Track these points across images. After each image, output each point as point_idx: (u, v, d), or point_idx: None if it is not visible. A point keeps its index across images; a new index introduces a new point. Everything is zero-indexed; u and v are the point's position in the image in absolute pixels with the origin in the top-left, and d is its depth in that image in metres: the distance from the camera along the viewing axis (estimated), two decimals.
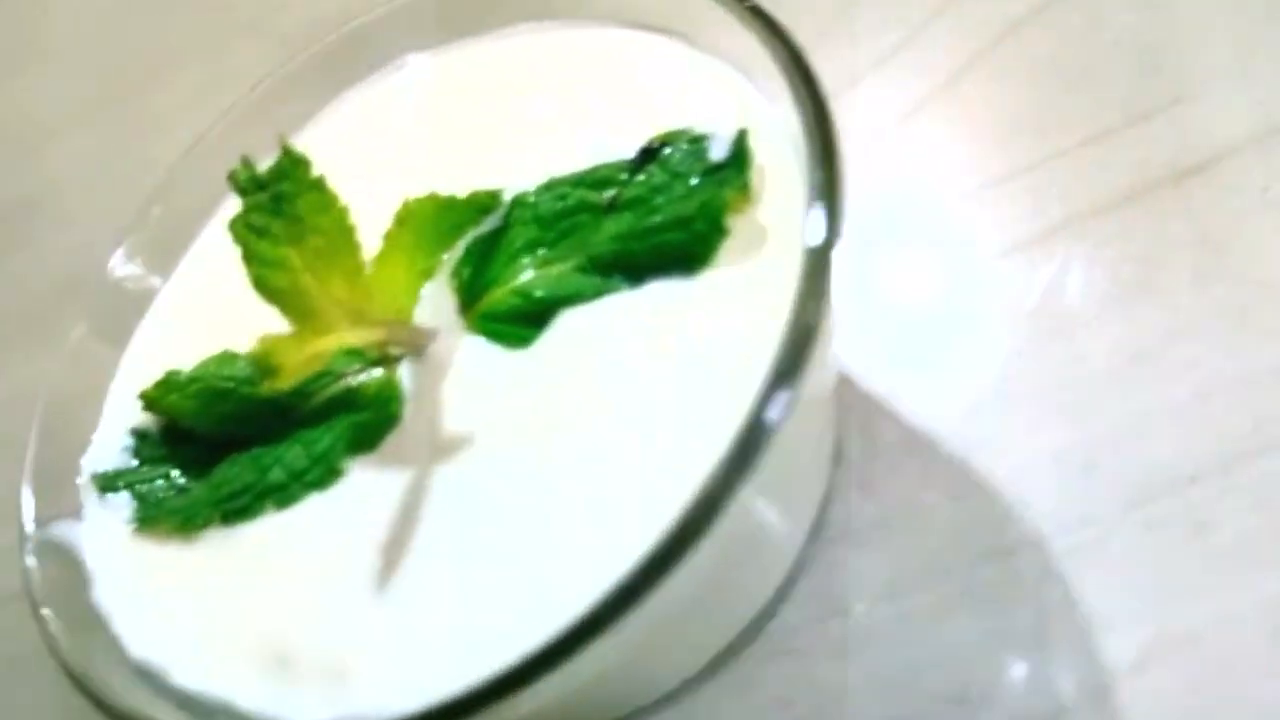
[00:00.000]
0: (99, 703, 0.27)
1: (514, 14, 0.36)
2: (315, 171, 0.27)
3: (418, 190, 0.32)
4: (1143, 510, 0.30)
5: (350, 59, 0.37)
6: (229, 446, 0.32)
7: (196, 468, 0.32)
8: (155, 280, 0.37)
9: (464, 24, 0.36)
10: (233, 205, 0.29)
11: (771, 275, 0.27)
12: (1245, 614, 0.28)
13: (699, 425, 0.26)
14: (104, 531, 0.32)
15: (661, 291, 0.29)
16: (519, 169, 0.32)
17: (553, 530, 0.27)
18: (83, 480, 0.34)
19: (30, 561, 0.31)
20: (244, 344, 0.32)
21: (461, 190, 0.32)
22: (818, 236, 0.25)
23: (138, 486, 0.33)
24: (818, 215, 0.25)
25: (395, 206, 0.31)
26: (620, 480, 0.26)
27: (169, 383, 0.32)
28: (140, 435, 0.34)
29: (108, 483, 0.33)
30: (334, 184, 0.28)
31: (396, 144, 0.36)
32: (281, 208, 0.28)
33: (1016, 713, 0.29)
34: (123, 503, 0.33)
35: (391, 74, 0.38)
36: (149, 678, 0.29)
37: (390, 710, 0.25)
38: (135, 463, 0.34)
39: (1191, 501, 0.30)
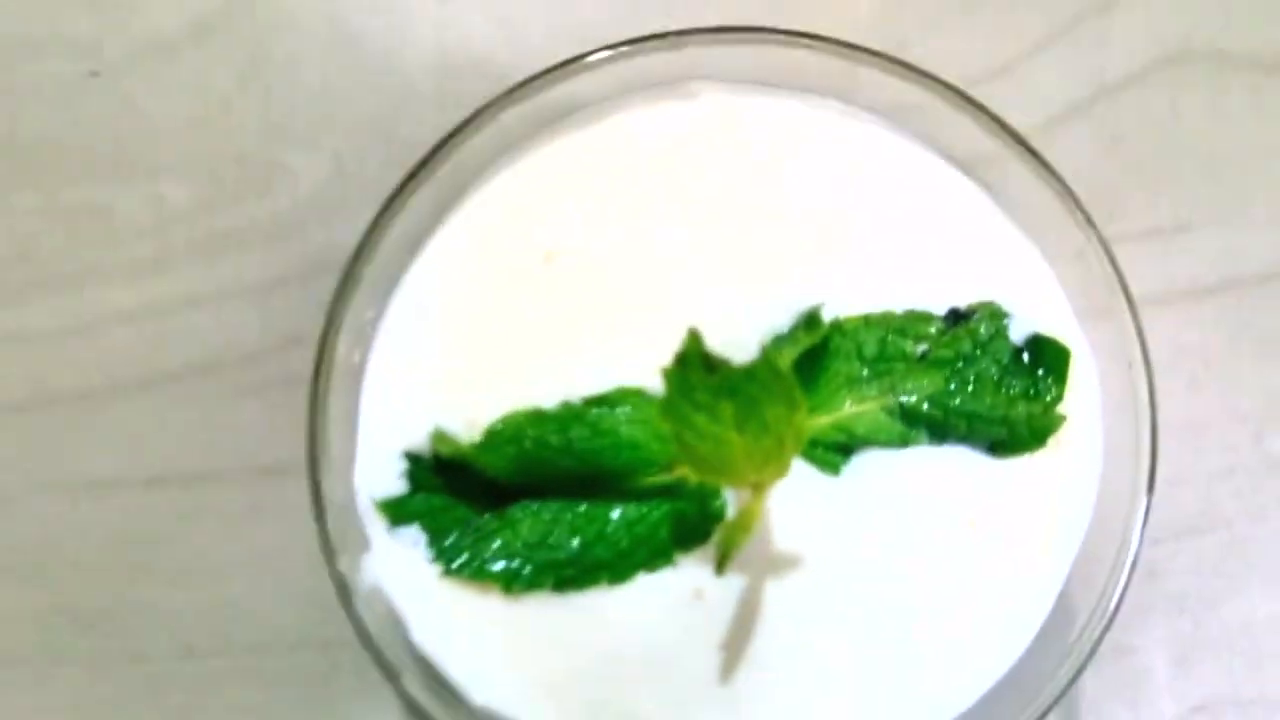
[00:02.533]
0: None
1: (827, 86, 0.36)
2: (790, 384, 0.30)
3: (686, 257, 0.35)
4: None
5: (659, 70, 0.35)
6: (518, 489, 0.34)
7: (484, 506, 0.34)
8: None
9: (768, 71, 0.36)
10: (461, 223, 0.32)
11: (1066, 470, 0.35)
12: None
13: (998, 599, 0.35)
14: (404, 569, 0.34)
15: (964, 456, 0.35)
16: (824, 282, 0.35)
17: (866, 662, 0.34)
18: (365, 506, 0.34)
19: (369, 621, 0.32)
20: (502, 361, 0.34)
21: (769, 279, 0.35)
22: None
23: (428, 521, 0.34)
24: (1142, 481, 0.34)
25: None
26: (931, 633, 0.34)
27: (489, 442, 0.33)
28: (415, 460, 0.34)
29: (399, 515, 0.34)
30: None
31: (681, 187, 0.36)
32: (742, 405, 0.30)
33: None
34: (412, 537, 0.34)
35: (686, 100, 0.36)
36: None
37: None
38: (407, 487, 0.34)
39: None
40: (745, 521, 0.32)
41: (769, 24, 0.36)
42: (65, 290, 0.45)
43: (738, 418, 0.30)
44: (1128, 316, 0.34)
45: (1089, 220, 0.35)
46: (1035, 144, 0.44)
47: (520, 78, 0.45)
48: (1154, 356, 0.45)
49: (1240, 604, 0.45)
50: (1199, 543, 0.45)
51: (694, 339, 0.30)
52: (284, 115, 0.46)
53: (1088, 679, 0.44)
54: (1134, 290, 0.45)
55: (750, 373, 0.30)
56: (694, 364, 0.30)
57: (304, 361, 0.44)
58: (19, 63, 0.46)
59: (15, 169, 0.45)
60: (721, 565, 0.32)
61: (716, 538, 0.34)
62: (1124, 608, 0.43)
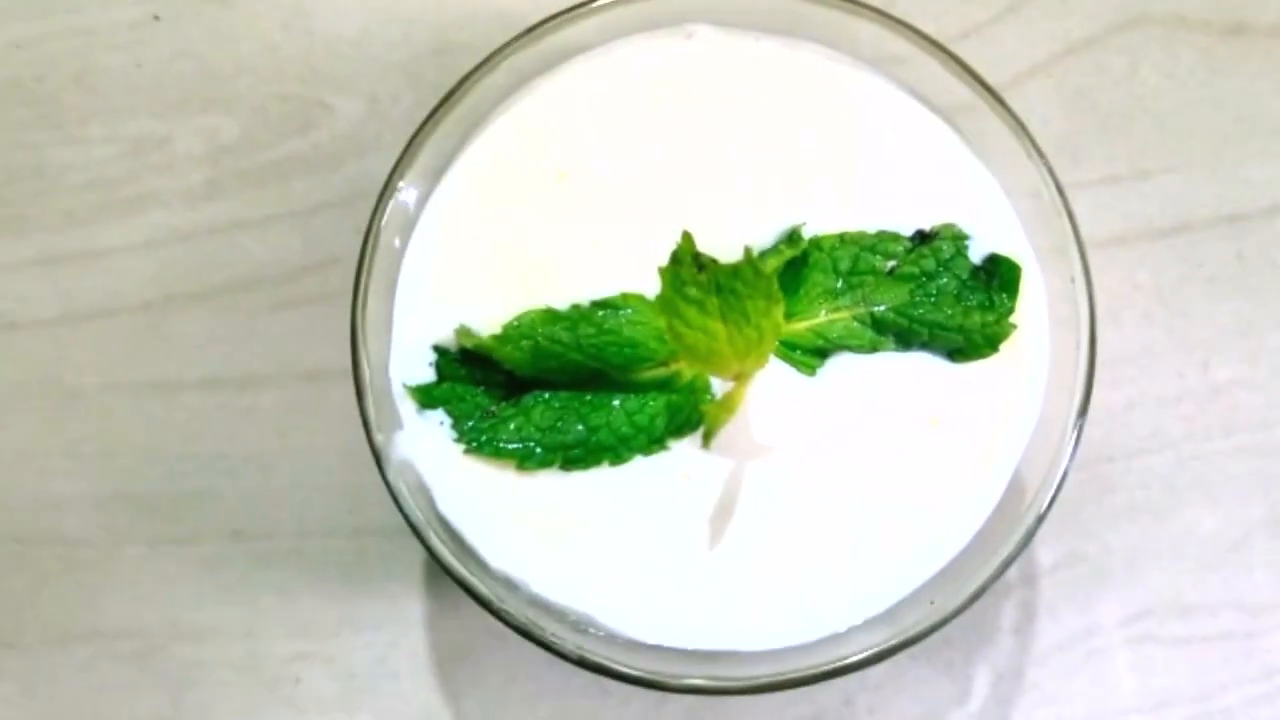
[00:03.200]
0: (509, 622, 0.37)
1: (803, 30, 0.41)
2: (770, 282, 0.34)
3: (684, 179, 0.40)
4: None
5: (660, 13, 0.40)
6: (532, 381, 0.39)
7: (501, 394, 0.39)
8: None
9: (759, 16, 0.40)
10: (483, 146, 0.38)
11: (1017, 374, 0.39)
12: None
13: (953, 484, 0.39)
14: (431, 445, 0.39)
15: (925, 361, 0.40)
16: (807, 204, 0.40)
17: (835, 536, 0.39)
18: (398, 391, 0.39)
19: (401, 487, 0.37)
20: (522, 268, 0.39)
21: (757, 200, 0.40)
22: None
23: (452, 406, 0.39)
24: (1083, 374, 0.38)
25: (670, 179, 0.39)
26: (888, 511, 0.39)
27: (506, 336, 0.38)
28: (441, 352, 0.39)
29: (426, 399, 0.39)
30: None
31: (680, 117, 0.41)
32: (728, 300, 0.35)
33: None
34: (438, 419, 0.39)
35: (685, 40, 0.41)
36: (510, 587, 0.39)
37: (727, 644, 0.38)
38: (436, 377, 0.39)
39: None
40: (729, 403, 0.36)
41: None
42: (130, 213, 0.50)
43: (723, 310, 0.35)
44: (1072, 241, 0.38)
45: (1042, 156, 0.39)
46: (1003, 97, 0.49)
47: None
48: (1112, 292, 0.50)
49: (1185, 518, 0.49)
50: (1149, 461, 0.50)
51: (687, 240, 0.34)
52: (325, 60, 0.51)
53: (1044, 582, 0.49)
54: (1095, 232, 0.50)
55: (735, 270, 0.34)
56: (686, 262, 0.34)
57: (341, 279, 0.49)
58: (89, 6, 0.51)
59: (86, 103, 0.51)
60: (707, 439, 0.37)
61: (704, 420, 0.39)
62: (1077, 518, 0.49)
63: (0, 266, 0.50)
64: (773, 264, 0.38)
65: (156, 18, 0.51)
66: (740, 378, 0.37)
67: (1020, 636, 0.49)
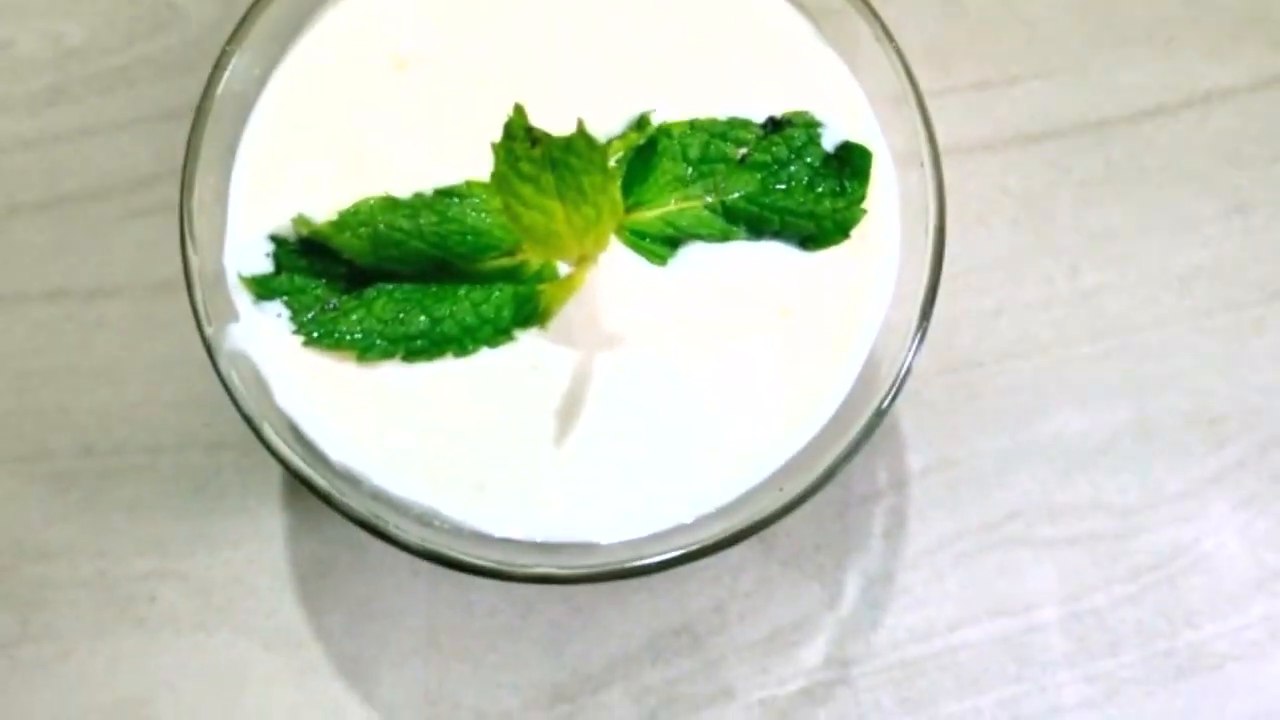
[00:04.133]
0: (348, 514, 0.36)
1: None
2: (602, 152, 0.34)
3: (527, 64, 0.39)
4: None
5: None
6: (374, 274, 0.38)
7: (343, 286, 0.38)
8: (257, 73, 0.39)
9: None
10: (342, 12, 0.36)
11: (869, 262, 0.39)
12: None
13: (805, 373, 0.39)
14: (268, 337, 0.38)
15: (777, 250, 0.39)
16: (659, 92, 0.39)
17: (687, 425, 0.38)
18: (232, 282, 0.38)
19: (234, 377, 0.36)
20: (363, 157, 0.38)
21: (606, 87, 0.39)
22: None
23: (291, 298, 0.38)
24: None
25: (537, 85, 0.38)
26: (739, 401, 0.39)
27: (343, 223, 0.37)
28: (279, 242, 0.38)
29: (263, 290, 0.38)
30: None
31: (528, 23, 0.39)
32: (563, 175, 0.34)
33: None
34: (275, 310, 0.38)
35: None
36: (353, 481, 0.37)
37: (576, 535, 0.38)
38: (274, 268, 0.38)
39: None
40: (569, 283, 0.36)
41: None
42: None
43: (559, 187, 0.34)
44: (920, 124, 0.38)
45: (900, 55, 0.39)
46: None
47: None
48: (981, 198, 0.49)
49: (1052, 421, 0.49)
50: (1018, 365, 0.50)
51: (519, 113, 0.33)
52: None
53: (914, 488, 0.49)
54: (964, 137, 0.49)
55: (568, 143, 0.33)
56: (519, 136, 0.34)
57: None
58: None
59: None
60: (544, 319, 0.36)
61: (558, 317, 0.38)
62: (947, 423, 0.48)
63: None
64: (618, 148, 0.37)
65: None
66: (583, 260, 0.36)
67: (890, 541, 0.49)
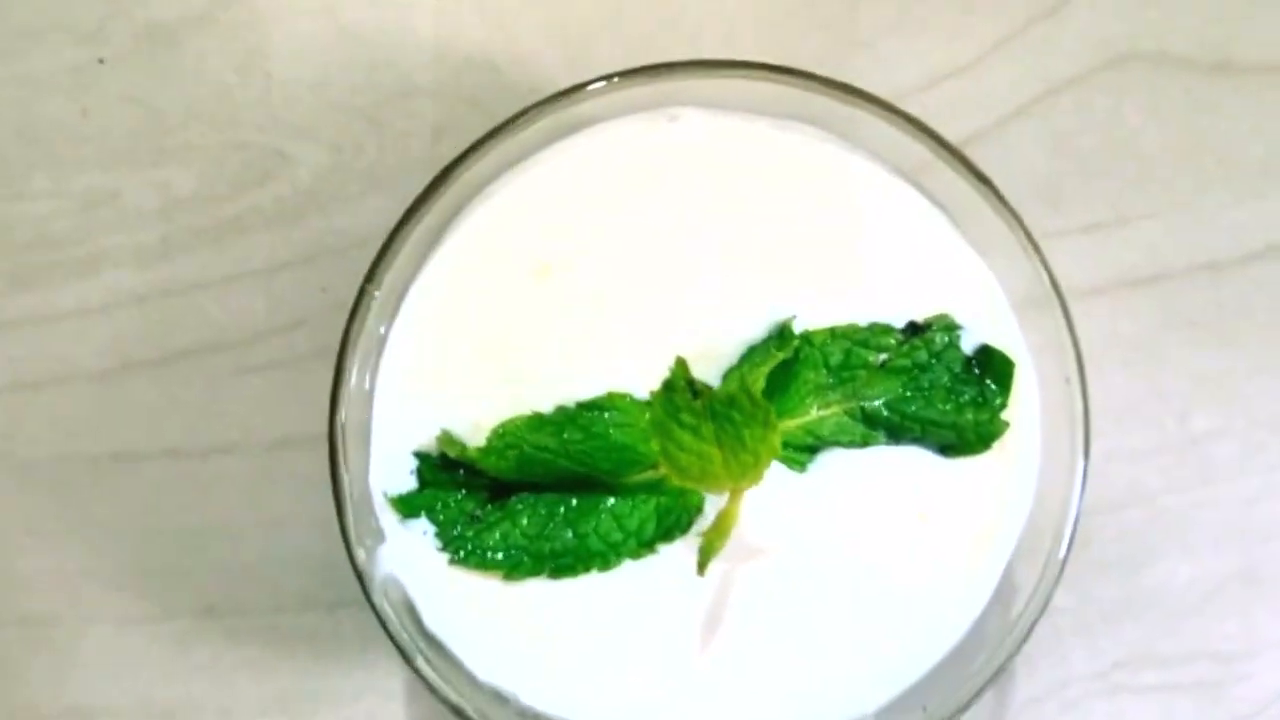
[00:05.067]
0: None
1: (793, 110, 0.39)
2: (766, 410, 0.34)
3: (669, 270, 0.38)
4: None
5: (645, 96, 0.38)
6: (517, 485, 0.38)
7: (486, 496, 0.38)
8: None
9: (744, 99, 0.39)
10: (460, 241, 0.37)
11: (1008, 470, 0.39)
12: None
13: (944, 580, 0.39)
14: (415, 558, 0.38)
15: (916, 455, 0.39)
16: (797, 296, 0.39)
17: (827, 635, 0.39)
18: (379, 501, 0.38)
19: (386, 609, 0.36)
20: (504, 366, 0.38)
21: (744, 292, 0.39)
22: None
23: (435, 514, 0.38)
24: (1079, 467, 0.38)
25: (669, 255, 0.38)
26: (885, 612, 0.39)
27: (490, 447, 0.37)
28: (422, 458, 0.38)
29: (409, 508, 0.38)
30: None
31: (664, 205, 0.39)
32: (723, 426, 0.34)
33: None
34: (421, 528, 0.38)
35: (670, 123, 0.39)
36: (500, 700, 0.38)
37: None
38: (418, 485, 0.38)
39: None
40: (724, 526, 0.36)
41: (752, 55, 0.39)
42: (82, 274, 0.47)
43: (718, 436, 0.34)
44: (1066, 334, 0.38)
45: (1038, 250, 0.38)
46: (987, 142, 0.48)
47: (511, 71, 0.48)
48: (1091, 343, 0.49)
49: (1160, 570, 0.50)
50: (1125, 514, 0.50)
51: (680, 366, 0.33)
52: (283, 105, 0.48)
53: None
54: (1075, 281, 0.49)
55: (731, 399, 0.33)
56: (680, 389, 0.34)
57: (307, 341, 0.48)
58: (30, 50, 0.48)
59: (29, 155, 0.48)
60: (702, 567, 0.36)
61: (696, 533, 0.38)
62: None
63: None
64: (764, 370, 0.37)
65: (101, 61, 0.48)
66: (734, 493, 0.36)
67: (996, 690, 0.49)
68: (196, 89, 0.48)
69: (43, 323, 0.47)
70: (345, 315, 0.47)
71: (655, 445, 0.35)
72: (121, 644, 0.47)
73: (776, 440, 0.34)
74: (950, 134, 0.39)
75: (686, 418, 0.34)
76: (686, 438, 0.34)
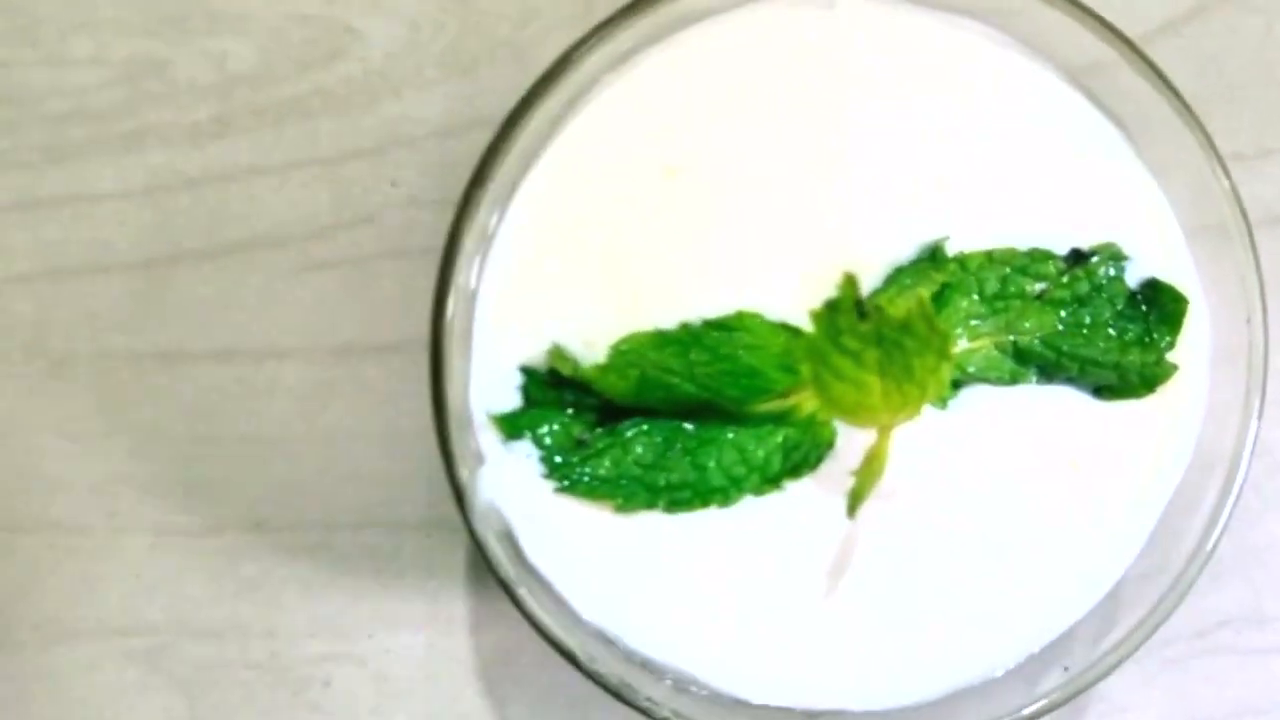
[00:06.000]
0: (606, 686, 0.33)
1: (963, 4, 0.35)
2: (945, 339, 0.30)
3: (810, 177, 0.34)
4: None
5: None
6: (630, 408, 0.34)
7: (595, 419, 0.34)
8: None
9: None
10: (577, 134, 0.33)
11: (1170, 417, 0.36)
12: None
13: (1092, 534, 0.36)
14: (517, 484, 0.34)
15: (1068, 396, 0.36)
16: (949, 213, 0.35)
17: (960, 587, 0.36)
18: (479, 420, 0.34)
19: (489, 539, 0.33)
20: (620, 275, 0.34)
21: (892, 204, 0.35)
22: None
23: (541, 437, 0.34)
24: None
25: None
26: (1020, 562, 0.36)
27: (610, 365, 0.33)
28: (529, 374, 0.34)
29: (513, 429, 0.34)
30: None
31: (810, 103, 0.35)
32: (890, 353, 0.30)
33: None
34: (524, 451, 0.34)
35: (822, 9, 0.34)
36: (605, 641, 0.34)
37: (839, 703, 0.35)
38: (523, 403, 0.34)
39: None
40: (876, 466, 0.32)
41: None
42: (125, 150, 0.43)
43: (883, 364, 0.30)
44: (1252, 268, 0.34)
45: (1210, 143, 0.34)
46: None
47: None
48: None
49: (1268, 527, 0.47)
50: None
51: (849, 284, 0.30)
52: None
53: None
54: None
55: (906, 324, 0.29)
56: (846, 309, 0.30)
57: (375, 241, 0.44)
58: None
59: (69, 14, 0.43)
60: (853, 509, 0.33)
61: (828, 464, 0.34)
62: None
63: None
64: (923, 293, 0.33)
65: None
66: (885, 429, 0.32)
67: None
68: None
69: (81, 204, 0.43)
70: (417, 211, 0.43)
71: (806, 370, 0.31)
72: (159, 558, 0.43)
73: (948, 374, 0.30)
74: None
75: (849, 341, 0.30)
76: (846, 364, 0.30)
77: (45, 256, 0.43)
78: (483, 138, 0.34)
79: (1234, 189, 0.34)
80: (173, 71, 0.43)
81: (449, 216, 0.33)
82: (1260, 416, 0.34)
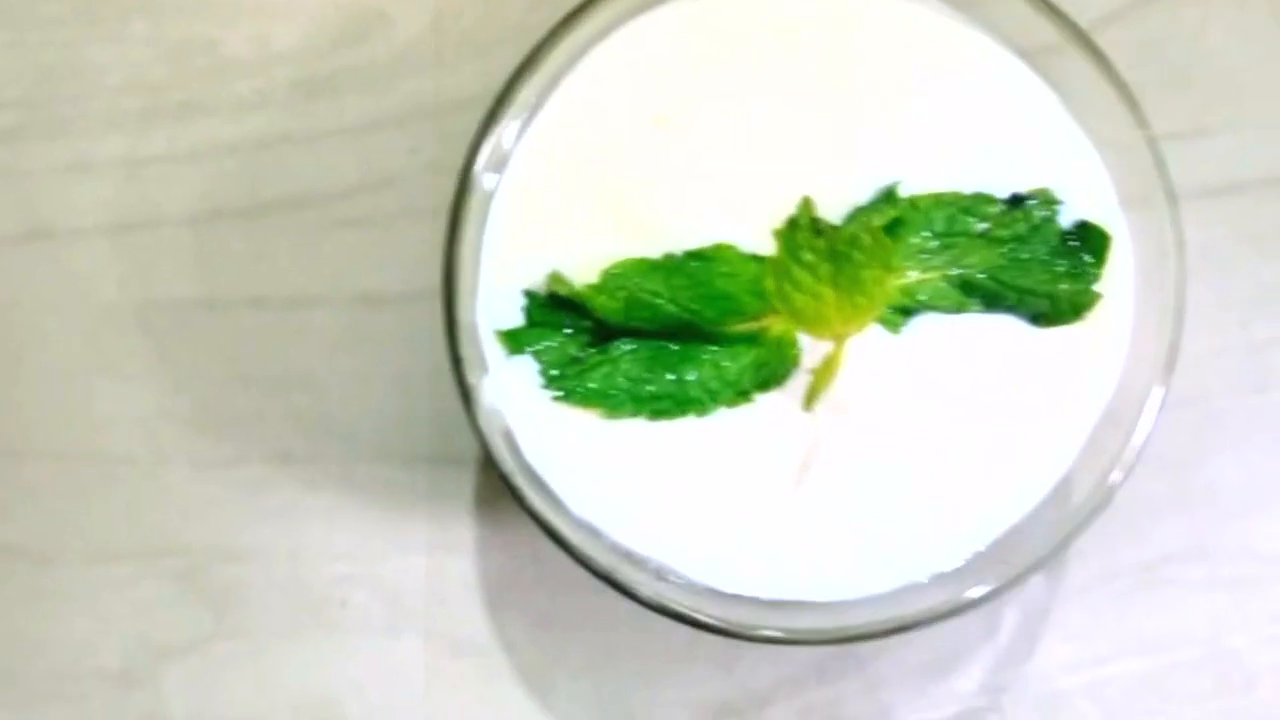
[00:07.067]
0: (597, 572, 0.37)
1: None
2: (889, 250, 0.34)
3: (781, 128, 0.39)
4: None
5: None
6: (620, 330, 0.39)
7: (589, 340, 0.39)
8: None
9: None
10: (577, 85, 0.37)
11: (1099, 340, 0.40)
12: None
13: (1030, 444, 0.40)
14: (517, 391, 0.39)
15: (1008, 324, 0.40)
16: (904, 162, 0.40)
17: (914, 487, 0.40)
18: (485, 335, 0.38)
19: (493, 436, 0.37)
20: (615, 212, 0.39)
21: (852, 155, 0.39)
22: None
23: (541, 352, 0.39)
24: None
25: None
26: (967, 469, 0.40)
27: (602, 286, 0.38)
28: (531, 296, 0.39)
29: (516, 344, 0.38)
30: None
31: (782, 64, 0.40)
32: (842, 267, 0.35)
33: None
34: (524, 364, 0.39)
35: None
36: (592, 534, 0.39)
37: (803, 595, 0.39)
38: (525, 322, 0.39)
39: None
40: (831, 367, 0.37)
41: None
42: (175, 120, 0.48)
43: (835, 276, 0.35)
44: (1166, 210, 0.39)
45: (1139, 115, 0.39)
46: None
47: None
48: None
49: (1210, 468, 0.51)
50: (1182, 414, 0.51)
51: (806, 205, 0.34)
52: None
53: None
54: None
55: (853, 238, 0.34)
56: (804, 227, 0.34)
57: (396, 201, 0.48)
58: None
59: (129, 1, 0.48)
60: (809, 402, 0.37)
61: (794, 380, 0.39)
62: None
63: (33, 171, 0.48)
64: (878, 222, 0.38)
65: None
66: (839, 339, 0.37)
67: (1048, 579, 0.50)
68: None
69: (134, 166, 0.48)
70: (434, 176, 0.48)
71: (770, 284, 0.36)
72: (196, 486, 0.48)
73: (892, 285, 0.35)
74: None
75: (806, 255, 0.35)
76: (805, 277, 0.35)
77: (101, 213, 0.48)
78: None
79: (1154, 140, 0.39)
80: (220, 50, 0.48)
81: None
82: (1176, 347, 0.39)
